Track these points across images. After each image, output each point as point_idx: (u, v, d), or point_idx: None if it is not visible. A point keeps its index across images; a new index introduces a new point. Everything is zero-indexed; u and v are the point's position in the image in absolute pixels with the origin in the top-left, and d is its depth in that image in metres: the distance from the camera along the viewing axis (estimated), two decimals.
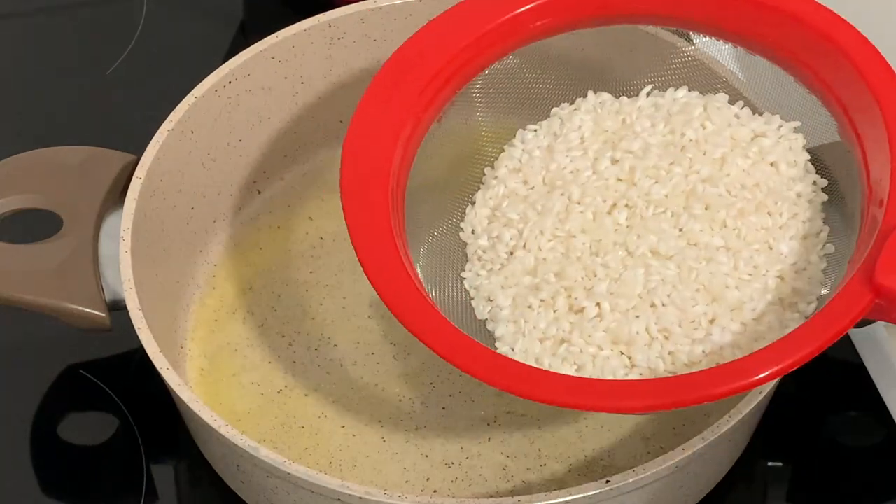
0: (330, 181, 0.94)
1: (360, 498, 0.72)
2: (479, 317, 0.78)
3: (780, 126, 0.81)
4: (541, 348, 0.75)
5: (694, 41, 0.92)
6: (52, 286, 0.81)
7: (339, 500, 0.73)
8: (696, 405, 0.71)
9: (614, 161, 0.80)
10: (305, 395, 0.85)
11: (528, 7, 0.83)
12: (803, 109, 0.82)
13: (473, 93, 0.84)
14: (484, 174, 0.83)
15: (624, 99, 0.83)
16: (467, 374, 0.71)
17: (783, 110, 0.83)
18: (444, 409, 0.84)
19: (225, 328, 0.89)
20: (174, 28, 1.09)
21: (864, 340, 0.88)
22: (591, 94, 0.83)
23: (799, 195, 0.79)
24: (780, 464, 0.85)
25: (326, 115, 0.95)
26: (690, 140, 0.80)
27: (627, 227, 0.77)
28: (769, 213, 0.77)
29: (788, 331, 0.72)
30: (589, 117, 0.82)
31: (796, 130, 0.81)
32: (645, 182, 0.78)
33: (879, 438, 0.86)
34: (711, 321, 0.74)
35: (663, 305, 0.74)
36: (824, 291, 0.76)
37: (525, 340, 0.75)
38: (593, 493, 0.72)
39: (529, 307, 0.76)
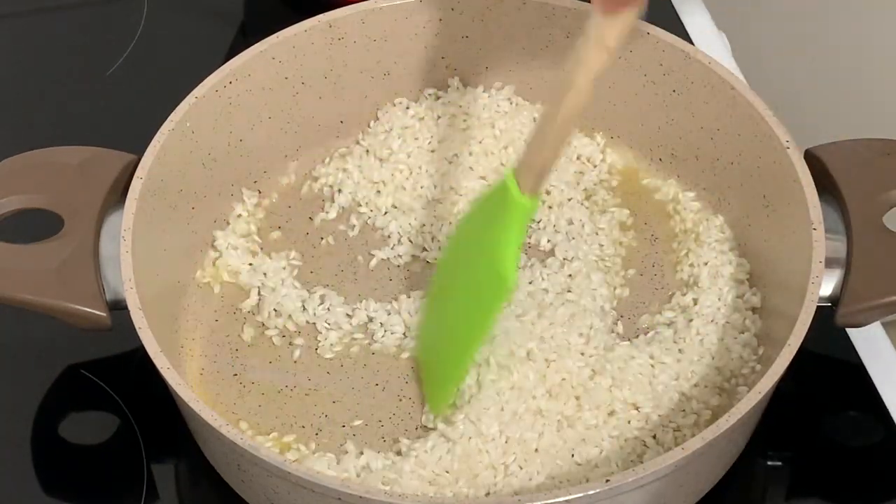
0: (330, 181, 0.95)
1: (361, 497, 0.72)
2: None
3: None
4: None
5: (693, 41, 0.93)
6: (53, 286, 0.81)
7: (339, 499, 0.73)
8: None
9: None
10: (306, 395, 0.85)
11: None
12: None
13: None
14: None
15: None
16: None
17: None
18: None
19: (225, 328, 0.89)
20: (174, 28, 1.09)
21: (864, 340, 0.89)
22: None
23: None
24: (779, 463, 0.85)
25: (326, 115, 0.95)
26: None
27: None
28: None
29: None
30: None
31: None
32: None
33: (879, 438, 0.86)
34: None
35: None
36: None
37: None
38: (593, 492, 0.72)
39: None
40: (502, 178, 0.77)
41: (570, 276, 0.89)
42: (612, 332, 0.87)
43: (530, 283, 0.88)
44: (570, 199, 0.93)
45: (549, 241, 0.91)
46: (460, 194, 0.93)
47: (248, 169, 0.93)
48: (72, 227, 0.83)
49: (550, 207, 0.93)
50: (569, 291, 0.88)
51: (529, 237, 0.92)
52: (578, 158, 0.95)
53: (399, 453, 0.82)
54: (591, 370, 0.84)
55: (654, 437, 0.82)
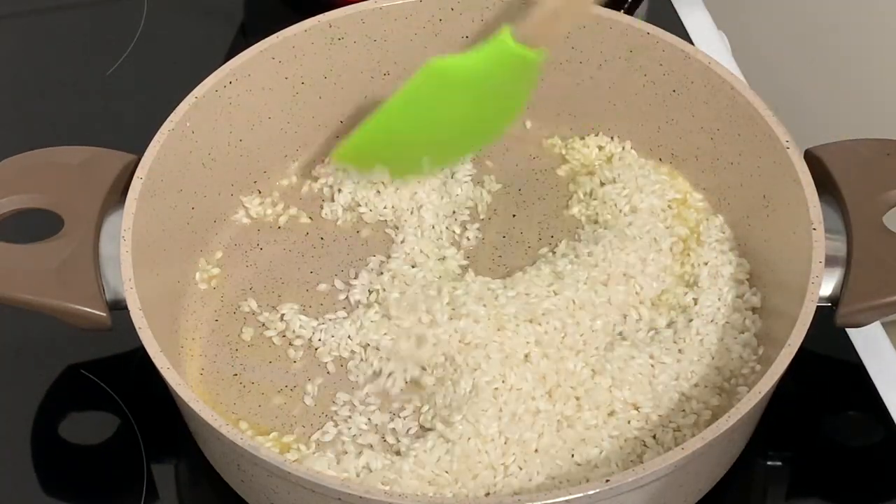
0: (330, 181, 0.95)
1: (361, 497, 0.72)
2: None
3: None
4: None
5: (693, 41, 0.93)
6: (53, 286, 0.81)
7: (339, 499, 0.73)
8: None
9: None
10: (306, 395, 0.85)
11: None
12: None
13: None
14: None
15: None
16: None
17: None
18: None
19: (225, 328, 0.88)
20: (174, 28, 1.09)
21: (864, 340, 0.89)
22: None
23: None
24: (779, 464, 0.85)
25: (326, 115, 0.95)
26: None
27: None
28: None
29: None
30: None
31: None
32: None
33: (879, 438, 0.86)
34: None
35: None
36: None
37: None
38: (593, 492, 0.72)
39: None
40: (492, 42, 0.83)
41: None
42: (613, 331, 0.87)
43: (530, 283, 0.88)
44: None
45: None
46: (459, 193, 0.93)
47: (248, 169, 0.93)
48: (72, 227, 0.83)
49: None
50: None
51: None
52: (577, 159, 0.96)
53: (398, 453, 0.82)
54: (591, 370, 0.84)
55: (654, 437, 0.82)
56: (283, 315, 0.88)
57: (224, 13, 1.10)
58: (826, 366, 0.88)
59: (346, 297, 0.89)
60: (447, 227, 0.92)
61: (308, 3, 0.96)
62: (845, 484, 0.84)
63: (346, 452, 0.82)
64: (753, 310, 0.87)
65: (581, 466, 0.80)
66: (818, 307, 0.78)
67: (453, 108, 0.87)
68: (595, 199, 0.93)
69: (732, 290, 0.88)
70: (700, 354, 0.85)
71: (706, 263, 0.89)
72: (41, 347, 0.90)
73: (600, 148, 0.95)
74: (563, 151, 0.96)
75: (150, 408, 0.86)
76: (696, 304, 0.87)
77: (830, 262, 0.81)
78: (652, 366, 0.84)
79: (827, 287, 0.81)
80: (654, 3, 1.08)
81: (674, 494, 0.78)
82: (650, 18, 0.94)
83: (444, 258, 0.91)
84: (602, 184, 0.93)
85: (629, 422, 0.82)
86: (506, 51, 0.83)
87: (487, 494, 0.80)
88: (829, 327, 0.81)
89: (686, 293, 0.88)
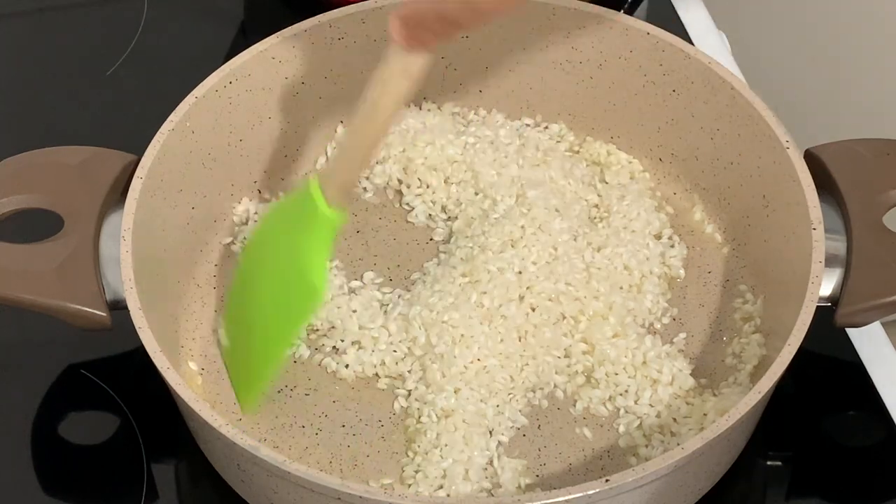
0: None
1: (361, 497, 0.72)
2: None
3: None
4: None
5: (693, 41, 0.92)
6: (53, 286, 0.81)
7: (339, 499, 0.73)
8: None
9: None
10: (306, 395, 0.85)
11: None
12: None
13: None
14: None
15: None
16: None
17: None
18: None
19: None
20: (174, 28, 1.09)
21: (864, 340, 0.89)
22: None
23: None
24: (779, 463, 0.85)
25: (326, 115, 0.95)
26: None
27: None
28: None
29: None
30: None
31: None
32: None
33: (879, 438, 0.86)
34: None
35: None
36: None
37: None
38: (593, 492, 0.72)
39: None
40: (306, 184, 0.78)
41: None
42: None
43: (529, 290, 0.88)
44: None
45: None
46: (456, 192, 0.93)
47: (248, 169, 0.93)
48: (72, 227, 0.83)
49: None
50: (566, 292, 0.88)
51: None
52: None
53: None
54: (586, 375, 0.84)
55: (654, 437, 0.82)
56: None
57: (224, 13, 1.10)
58: (826, 366, 0.88)
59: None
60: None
61: (308, 3, 0.96)
62: (845, 484, 0.84)
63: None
64: (753, 310, 0.87)
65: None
66: (818, 307, 0.78)
67: (273, 268, 0.80)
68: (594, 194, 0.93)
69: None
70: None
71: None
72: (41, 347, 0.90)
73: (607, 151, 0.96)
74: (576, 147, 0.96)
75: (150, 408, 0.86)
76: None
77: (830, 262, 0.81)
78: (644, 363, 0.84)
79: (827, 287, 0.81)
80: (654, 3, 1.08)
81: (674, 494, 0.78)
82: (650, 18, 0.94)
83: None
84: (603, 181, 0.94)
85: (628, 422, 0.82)
86: (308, 198, 0.77)
87: (490, 496, 0.80)
88: (829, 327, 0.81)
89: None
